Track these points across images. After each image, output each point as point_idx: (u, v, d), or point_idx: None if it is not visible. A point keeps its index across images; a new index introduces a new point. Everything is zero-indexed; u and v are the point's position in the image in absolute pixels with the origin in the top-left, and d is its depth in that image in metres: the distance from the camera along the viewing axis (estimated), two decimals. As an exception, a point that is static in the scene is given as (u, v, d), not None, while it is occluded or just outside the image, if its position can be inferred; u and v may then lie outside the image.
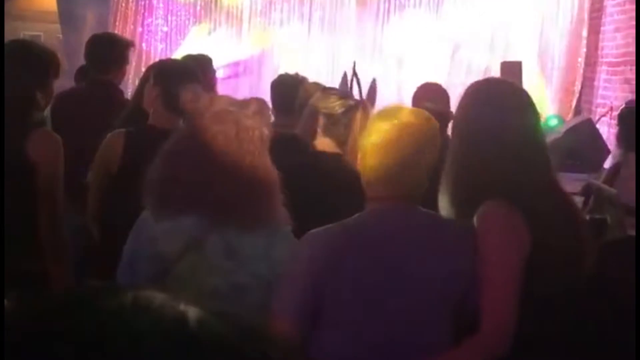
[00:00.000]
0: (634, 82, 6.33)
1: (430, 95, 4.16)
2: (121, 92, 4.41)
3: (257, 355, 0.57)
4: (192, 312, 0.57)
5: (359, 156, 2.27)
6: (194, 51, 5.76)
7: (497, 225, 2.21)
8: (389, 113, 2.25)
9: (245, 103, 2.35)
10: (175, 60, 3.67)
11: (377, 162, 2.18)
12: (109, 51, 4.31)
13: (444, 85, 4.43)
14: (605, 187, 3.28)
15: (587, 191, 3.28)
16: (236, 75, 8.81)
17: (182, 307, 0.58)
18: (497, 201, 2.22)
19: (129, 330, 0.54)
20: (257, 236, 2.24)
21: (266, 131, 2.31)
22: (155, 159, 2.29)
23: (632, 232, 2.33)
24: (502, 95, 2.35)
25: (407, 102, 4.28)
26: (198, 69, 3.51)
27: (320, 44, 8.85)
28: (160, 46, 8.99)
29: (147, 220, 2.30)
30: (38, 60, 3.02)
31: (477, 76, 8.34)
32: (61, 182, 2.95)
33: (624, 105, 4.05)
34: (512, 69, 6.64)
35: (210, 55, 5.13)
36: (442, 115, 2.86)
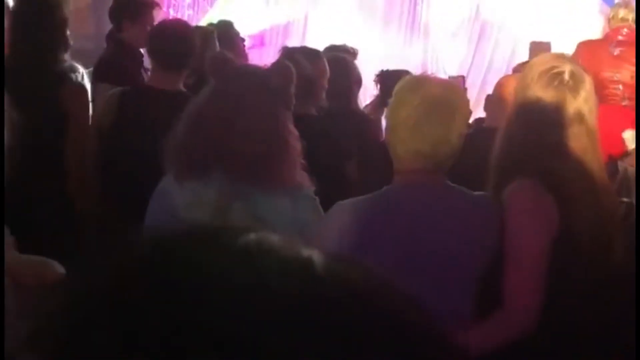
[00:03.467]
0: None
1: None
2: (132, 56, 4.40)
3: (383, 305, 0.55)
4: (317, 256, 0.55)
5: (387, 129, 2.25)
6: (220, 18, 5.75)
7: (525, 203, 2.20)
8: (417, 84, 2.21)
9: (271, 68, 2.38)
10: (171, 23, 3.66)
11: (406, 136, 2.15)
12: (124, 7, 4.34)
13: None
14: (633, 169, 3.24)
15: (612, 172, 3.24)
16: (262, 44, 8.78)
17: (305, 251, 0.56)
18: (527, 180, 2.21)
19: (258, 270, 0.52)
20: (281, 199, 2.24)
21: (290, 93, 2.32)
22: (177, 122, 2.29)
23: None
24: (562, 83, 2.29)
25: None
26: (197, 35, 3.49)
27: (346, 15, 8.80)
28: (187, 12, 8.96)
29: (166, 190, 2.30)
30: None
31: (506, 49, 8.36)
32: (88, 128, 3.12)
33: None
34: (541, 49, 6.55)
35: (237, 23, 5.12)
36: None
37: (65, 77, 3.11)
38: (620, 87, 5.43)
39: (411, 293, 0.55)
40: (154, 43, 3.34)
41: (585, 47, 5.66)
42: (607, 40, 5.65)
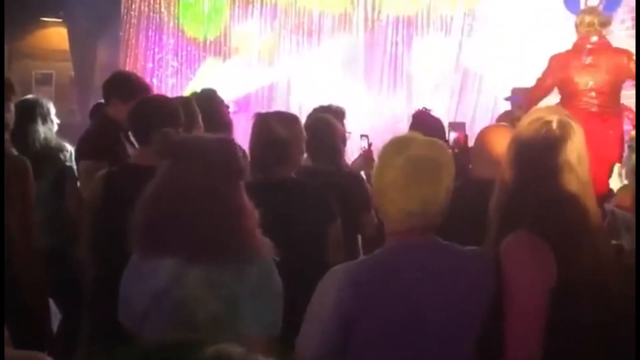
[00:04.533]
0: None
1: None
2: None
3: None
4: None
5: (375, 191, 2.25)
6: (204, 86, 5.80)
7: (523, 255, 2.20)
8: (401, 146, 2.20)
9: (216, 140, 2.43)
10: (149, 100, 3.67)
11: (396, 198, 2.15)
12: (119, 86, 4.37)
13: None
14: (620, 211, 3.24)
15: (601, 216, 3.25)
16: (247, 108, 8.86)
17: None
18: (524, 231, 2.22)
19: None
20: (237, 266, 2.28)
21: (240, 165, 2.38)
22: (136, 201, 2.36)
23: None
24: (549, 133, 2.32)
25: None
26: (179, 108, 3.51)
27: (328, 75, 8.90)
28: (171, 81, 9.07)
29: (135, 260, 2.39)
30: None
31: (488, 98, 8.46)
32: (31, 201, 3.06)
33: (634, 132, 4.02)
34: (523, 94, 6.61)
35: (221, 89, 5.16)
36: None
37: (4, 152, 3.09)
38: (593, 94, 5.61)
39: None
40: (135, 122, 3.36)
41: (557, 60, 5.84)
42: (576, 49, 5.80)
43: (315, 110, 4.52)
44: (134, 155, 3.32)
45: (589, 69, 5.66)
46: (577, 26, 5.86)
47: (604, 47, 5.72)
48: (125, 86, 4.34)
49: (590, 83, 5.63)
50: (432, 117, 5.04)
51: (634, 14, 6.08)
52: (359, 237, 4.06)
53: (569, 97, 5.75)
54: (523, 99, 6.00)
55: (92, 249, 3.35)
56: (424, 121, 4.90)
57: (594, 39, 5.70)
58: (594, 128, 5.11)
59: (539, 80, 5.97)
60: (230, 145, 2.43)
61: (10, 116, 3.29)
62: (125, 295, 2.39)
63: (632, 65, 5.50)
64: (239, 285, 2.28)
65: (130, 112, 3.38)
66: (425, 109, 5.12)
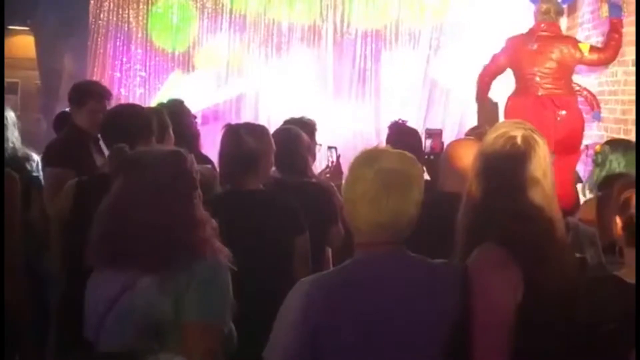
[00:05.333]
0: (605, 122, 6.44)
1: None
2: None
3: None
4: None
5: (345, 203, 2.26)
6: (172, 96, 5.78)
7: (490, 268, 2.23)
8: (371, 158, 2.22)
9: (173, 152, 2.52)
10: (120, 110, 3.67)
11: (365, 210, 2.17)
12: (71, 92, 4.43)
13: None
14: (583, 225, 3.28)
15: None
16: (215, 119, 8.83)
17: None
18: (490, 245, 2.24)
19: None
20: (188, 272, 2.34)
21: (192, 177, 2.44)
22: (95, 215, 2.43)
23: (613, 271, 2.33)
24: (513, 148, 2.35)
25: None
26: (150, 118, 3.50)
27: (297, 87, 8.91)
28: (139, 91, 9.01)
29: (93, 274, 2.47)
30: None
31: (455, 112, 8.52)
32: (17, 215, 3.07)
33: (599, 146, 4.07)
34: (490, 109, 6.68)
35: (189, 100, 5.14)
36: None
37: None
38: (538, 79, 6.10)
39: None
40: (106, 130, 3.34)
41: (511, 44, 6.39)
42: (529, 34, 6.29)
43: (286, 122, 4.53)
44: (104, 165, 3.30)
45: (536, 55, 6.13)
46: (535, 14, 6.34)
47: (552, 34, 6.22)
48: (75, 92, 4.36)
49: (535, 69, 6.11)
50: (409, 127, 5.07)
51: (604, 29, 6.23)
52: (329, 250, 4.06)
53: (518, 81, 6.33)
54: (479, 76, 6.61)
55: (62, 261, 3.31)
56: (401, 132, 4.93)
57: (543, 26, 6.21)
58: (542, 110, 5.91)
59: (494, 55, 6.51)
60: (182, 158, 2.47)
61: None
62: (85, 306, 2.45)
63: (579, 52, 6.06)
64: (187, 285, 2.33)
65: (104, 121, 3.37)
66: (401, 120, 5.15)
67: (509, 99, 6.32)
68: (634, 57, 5.81)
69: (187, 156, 2.49)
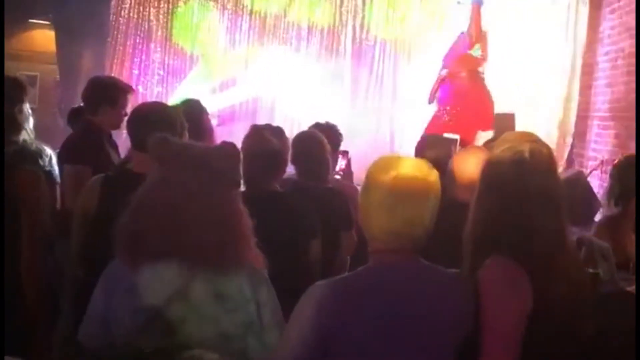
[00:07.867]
0: (623, 137, 6.42)
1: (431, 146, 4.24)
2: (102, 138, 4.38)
3: None
4: None
5: (361, 210, 2.25)
6: (190, 95, 5.79)
7: (499, 280, 2.22)
8: (388, 166, 2.21)
9: (218, 148, 2.40)
10: (149, 105, 3.63)
11: (381, 218, 2.16)
12: (102, 92, 4.33)
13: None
14: (597, 240, 3.27)
15: (578, 244, 3.27)
16: (231, 120, 8.85)
17: None
18: (500, 257, 2.23)
19: None
20: (238, 278, 2.25)
21: (238, 174, 2.38)
22: (125, 208, 2.28)
23: (626, 287, 2.33)
24: (521, 160, 2.34)
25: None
26: (176, 115, 3.48)
27: (314, 90, 8.91)
28: (157, 89, 9.04)
29: (118, 272, 2.28)
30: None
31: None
32: (40, 213, 2.98)
33: (617, 160, 4.05)
34: (505, 121, 6.69)
35: (205, 100, 5.16)
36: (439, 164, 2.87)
37: (14, 163, 3.01)
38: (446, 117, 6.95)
39: None
40: (133, 127, 3.32)
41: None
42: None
43: (312, 127, 4.54)
44: (134, 161, 3.27)
45: None
46: None
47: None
48: (108, 91, 4.34)
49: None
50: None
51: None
52: (347, 257, 4.04)
53: None
54: None
55: (84, 257, 3.30)
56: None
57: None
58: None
59: None
60: (237, 152, 2.40)
61: (23, 117, 3.23)
62: (100, 313, 2.29)
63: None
64: (247, 296, 2.25)
65: (130, 118, 3.35)
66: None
67: None
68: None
69: (239, 151, 2.44)
